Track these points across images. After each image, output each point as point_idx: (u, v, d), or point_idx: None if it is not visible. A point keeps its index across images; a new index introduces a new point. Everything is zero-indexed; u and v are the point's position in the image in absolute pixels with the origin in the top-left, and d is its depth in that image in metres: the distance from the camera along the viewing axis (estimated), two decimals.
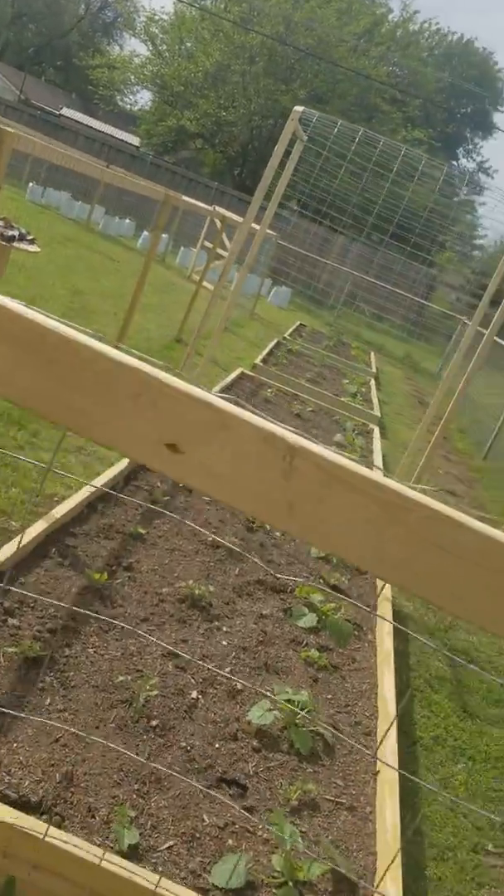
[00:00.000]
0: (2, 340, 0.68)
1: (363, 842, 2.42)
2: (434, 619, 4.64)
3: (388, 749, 2.85)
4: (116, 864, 1.88)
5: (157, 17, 33.29)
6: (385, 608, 4.15)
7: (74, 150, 19.52)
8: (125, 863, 1.90)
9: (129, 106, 44.66)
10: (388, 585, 4.37)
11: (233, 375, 7.81)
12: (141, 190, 8.07)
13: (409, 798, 2.89)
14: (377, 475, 0.69)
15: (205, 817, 2.28)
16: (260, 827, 2.33)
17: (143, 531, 3.78)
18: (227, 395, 0.74)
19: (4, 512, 3.68)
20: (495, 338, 5.17)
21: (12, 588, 2.82)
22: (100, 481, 4.12)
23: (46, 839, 1.84)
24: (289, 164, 4.59)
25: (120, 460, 4.63)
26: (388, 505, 0.68)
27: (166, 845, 2.13)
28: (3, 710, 2.29)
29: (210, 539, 4.05)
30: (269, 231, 13.61)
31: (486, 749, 3.51)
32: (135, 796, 2.24)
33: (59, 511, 3.52)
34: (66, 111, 28.06)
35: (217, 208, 15.52)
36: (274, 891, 2.09)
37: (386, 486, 0.68)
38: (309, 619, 3.62)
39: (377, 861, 2.33)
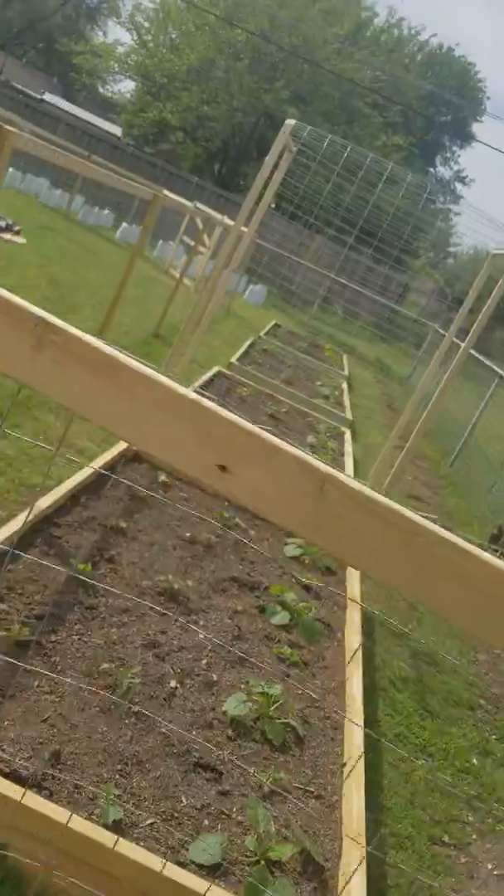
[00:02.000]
0: (84, 369, 0.80)
1: (330, 827, 2.58)
2: (398, 621, 4.82)
3: (355, 744, 3.01)
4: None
5: (142, 7, 33.17)
6: (353, 609, 4.32)
7: (55, 136, 19.42)
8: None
9: (110, 93, 44.40)
10: (356, 587, 4.55)
11: (210, 373, 7.92)
12: (127, 188, 8.14)
13: (374, 791, 3.05)
14: (393, 504, 0.83)
15: (183, 798, 2.42)
16: (234, 810, 2.47)
17: (123, 525, 3.90)
18: (265, 428, 0.87)
19: None
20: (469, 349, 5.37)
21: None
22: (82, 475, 4.21)
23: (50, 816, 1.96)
24: (277, 173, 4.73)
25: (100, 455, 4.73)
26: (401, 529, 0.82)
27: (147, 822, 2.26)
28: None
29: (187, 535, 4.18)
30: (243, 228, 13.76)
31: (446, 747, 3.70)
32: (118, 776, 2.37)
33: (44, 502, 3.62)
34: (47, 96, 27.83)
35: (198, 205, 15.61)
36: (247, 868, 2.23)
37: (400, 513, 0.82)
38: (282, 617, 3.76)
39: (342, 845, 2.49)
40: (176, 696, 2.87)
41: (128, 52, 33.57)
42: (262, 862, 2.25)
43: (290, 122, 4.44)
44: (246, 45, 29.43)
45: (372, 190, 5.67)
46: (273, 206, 20.88)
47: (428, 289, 30.69)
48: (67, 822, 2.00)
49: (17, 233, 6.47)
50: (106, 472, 4.26)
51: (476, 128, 47.35)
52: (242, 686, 3.07)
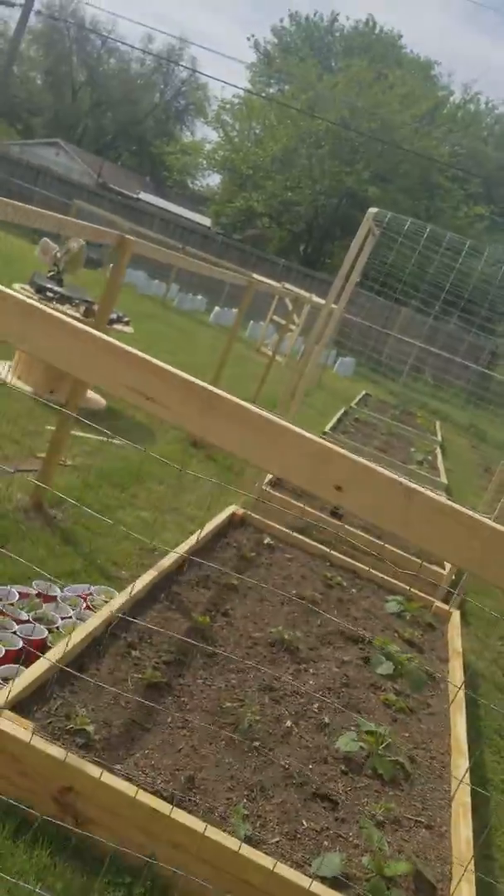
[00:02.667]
0: (238, 424, 1.16)
1: (440, 853, 2.76)
2: (502, 674, 4.92)
3: (462, 780, 3.17)
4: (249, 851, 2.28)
5: (227, 106, 35.34)
6: (456, 662, 4.47)
7: (151, 231, 20.80)
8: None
9: (198, 187, 47.00)
10: (458, 642, 4.70)
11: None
12: (218, 274, 8.78)
13: (481, 828, 3.19)
14: (461, 507, 1.13)
15: (303, 822, 2.66)
16: (350, 834, 2.69)
17: (234, 582, 4.24)
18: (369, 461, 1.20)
19: (117, 563, 4.19)
20: None
21: (136, 620, 3.29)
22: (193, 539, 4.60)
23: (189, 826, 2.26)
24: (361, 255, 5.15)
25: (209, 521, 5.12)
26: (467, 525, 1.12)
27: (273, 840, 2.52)
28: (137, 722, 2.73)
29: (293, 592, 4.48)
30: (333, 305, 14.37)
31: None
32: (245, 800, 2.64)
33: (165, 563, 4.01)
34: (143, 195, 29.85)
35: (286, 285, 16.32)
36: (364, 882, 2.45)
37: (461, 511, 1.12)
38: (386, 667, 3.98)
39: (452, 869, 2.66)
40: (292, 734, 3.13)
41: (214, 148, 35.67)
42: (378, 877, 2.46)
43: (373, 210, 4.88)
44: (326, 132, 30.85)
45: (454, 262, 6.01)
46: (358, 281, 21.55)
47: None
48: (204, 831, 2.29)
49: (127, 323, 7.12)
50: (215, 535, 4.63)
51: None
52: (353, 727, 3.30)
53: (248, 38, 66.41)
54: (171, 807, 2.35)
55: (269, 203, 32.83)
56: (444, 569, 5.81)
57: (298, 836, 2.59)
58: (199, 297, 21.08)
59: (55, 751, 2.40)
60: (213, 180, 54.21)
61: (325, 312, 5.41)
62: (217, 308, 19.91)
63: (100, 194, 26.71)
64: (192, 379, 1.23)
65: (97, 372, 1.25)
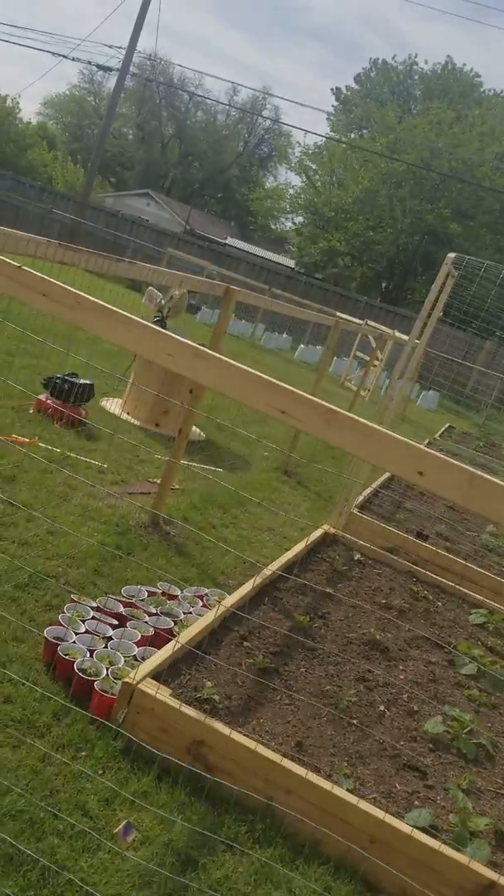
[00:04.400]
0: (353, 433, 1.67)
1: None
2: None
3: None
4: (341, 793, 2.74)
5: (309, 151, 36.44)
6: None
7: (237, 275, 21.72)
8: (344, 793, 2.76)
9: (281, 229, 48.27)
10: None
11: (387, 473, 8.72)
12: (302, 315, 9.36)
13: None
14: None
15: (397, 785, 3.09)
16: (438, 798, 3.10)
17: (330, 590, 4.71)
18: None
19: (224, 573, 4.74)
20: None
21: (248, 616, 3.81)
22: (291, 553, 5.10)
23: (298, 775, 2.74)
24: (442, 295, 5.62)
25: (301, 540, 5.60)
26: None
27: (371, 797, 2.96)
28: (252, 697, 3.24)
29: (383, 602, 4.91)
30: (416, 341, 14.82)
31: None
32: (345, 764, 3.10)
33: (267, 571, 4.53)
34: (230, 240, 31.07)
35: (370, 323, 16.82)
36: (450, 833, 2.86)
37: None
38: (470, 668, 4.36)
39: None
40: (384, 717, 3.57)
41: (297, 192, 36.74)
42: (463, 829, 2.87)
43: (451, 255, 5.35)
44: (407, 173, 31.46)
45: None
46: (440, 317, 21.85)
47: None
48: (305, 775, 2.76)
49: None
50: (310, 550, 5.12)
51: None
52: (439, 715, 3.70)
53: (332, 91, 68.38)
54: (285, 759, 2.83)
55: (350, 243, 33.55)
56: None
57: (392, 795, 3.02)
58: (284, 335, 21.81)
59: (190, 711, 2.93)
60: (297, 221, 55.54)
61: (408, 347, 5.89)
62: (301, 346, 20.56)
63: (188, 241, 27.99)
64: (313, 398, 1.76)
65: (248, 394, 1.79)
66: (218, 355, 1.80)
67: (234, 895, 2.45)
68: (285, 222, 46.73)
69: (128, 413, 7.67)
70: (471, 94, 37.62)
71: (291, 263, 35.30)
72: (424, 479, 1.66)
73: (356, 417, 1.74)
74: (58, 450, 5.84)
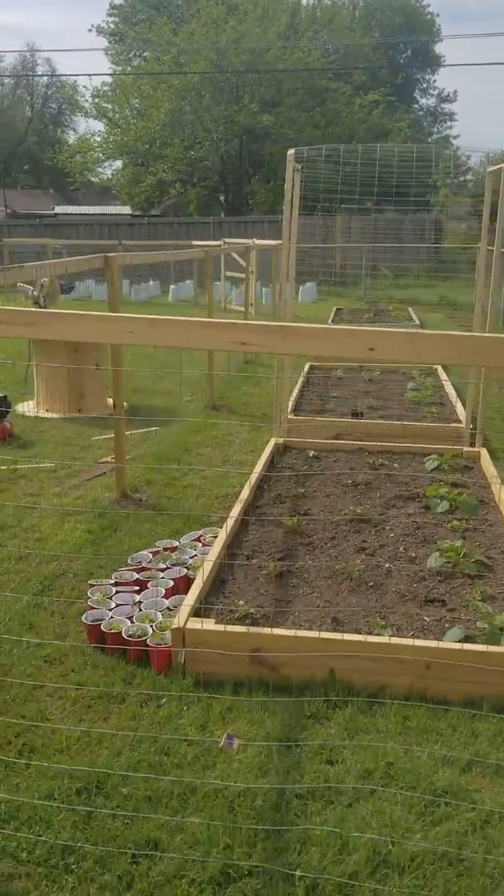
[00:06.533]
0: (307, 338, 1.99)
1: None
2: None
3: None
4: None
5: (100, 93, 35.30)
6: (496, 485, 5.33)
7: (80, 240, 21.30)
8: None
9: (103, 178, 46.92)
10: (492, 470, 5.55)
11: (306, 367, 9.16)
12: (167, 257, 9.49)
13: None
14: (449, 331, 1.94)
15: (425, 619, 3.55)
16: (462, 616, 3.58)
17: (302, 490, 5.10)
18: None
19: (205, 512, 5.07)
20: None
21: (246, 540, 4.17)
22: (254, 474, 5.44)
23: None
24: (295, 191, 5.87)
25: (257, 461, 5.95)
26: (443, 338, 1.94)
27: (409, 634, 3.40)
28: (280, 600, 3.62)
29: (349, 482, 5.34)
30: (271, 242, 15.03)
31: None
32: (378, 618, 3.53)
33: (243, 496, 4.87)
34: (58, 209, 30.21)
35: (226, 241, 16.93)
36: (483, 637, 3.34)
37: (448, 334, 1.94)
38: (444, 506, 4.85)
39: None
40: (392, 572, 4.01)
41: (105, 138, 35.72)
42: (491, 629, 3.35)
43: (291, 152, 5.60)
44: (202, 81, 30.96)
45: (372, 164, 6.64)
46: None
47: (465, 212, 30.93)
48: (356, 637, 3.17)
49: None
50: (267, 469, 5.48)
51: (439, 47, 47.27)
52: (435, 552, 4.17)
53: (90, 30, 65.61)
54: (332, 633, 3.23)
55: (175, 168, 33.07)
56: (461, 423, 6.65)
57: (425, 628, 3.48)
58: (151, 283, 21.67)
59: (238, 628, 3.29)
60: (116, 165, 54.03)
61: (284, 251, 6.17)
62: (172, 286, 20.54)
63: (16, 224, 27.09)
64: (266, 323, 2.05)
65: (213, 340, 2.07)
66: (175, 318, 2.05)
67: (337, 751, 2.86)
68: (105, 171, 45.49)
69: (46, 410, 7.77)
70: None
71: (127, 210, 34.62)
72: (376, 353, 1.99)
73: (304, 325, 2.05)
74: (2, 467, 5.97)
